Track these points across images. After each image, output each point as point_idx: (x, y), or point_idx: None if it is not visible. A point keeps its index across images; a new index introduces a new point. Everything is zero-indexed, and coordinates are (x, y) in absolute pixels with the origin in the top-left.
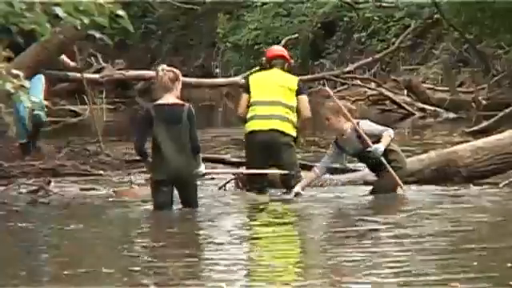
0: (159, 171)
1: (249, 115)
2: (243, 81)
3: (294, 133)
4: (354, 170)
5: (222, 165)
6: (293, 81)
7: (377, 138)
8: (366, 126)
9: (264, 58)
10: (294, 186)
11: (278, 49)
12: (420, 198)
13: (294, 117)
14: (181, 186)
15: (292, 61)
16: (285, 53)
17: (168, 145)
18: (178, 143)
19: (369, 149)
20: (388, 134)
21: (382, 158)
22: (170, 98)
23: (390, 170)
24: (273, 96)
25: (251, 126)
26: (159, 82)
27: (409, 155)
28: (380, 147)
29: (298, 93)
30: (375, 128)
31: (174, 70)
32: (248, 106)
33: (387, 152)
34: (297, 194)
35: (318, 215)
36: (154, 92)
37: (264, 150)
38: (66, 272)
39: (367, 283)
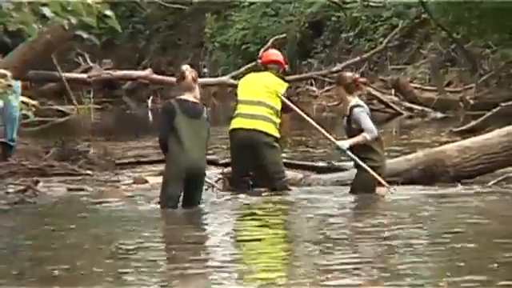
0: (178, 162)
1: (234, 113)
2: (231, 81)
3: (276, 134)
4: (343, 170)
5: (213, 166)
6: (281, 85)
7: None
8: (359, 113)
9: (259, 61)
10: (282, 187)
11: (273, 53)
12: (406, 198)
13: (276, 119)
14: (194, 179)
15: (286, 66)
16: (280, 58)
17: (189, 137)
18: (198, 137)
19: (337, 147)
20: (365, 135)
21: (350, 153)
22: (191, 97)
23: (367, 168)
24: (258, 96)
25: (234, 123)
26: (185, 82)
27: (396, 155)
28: (344, 144)
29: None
30: (364, 121)
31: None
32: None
33: (362, 150)
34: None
35: (305, 216)
36: (177, 90)
37: (245, 148)
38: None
39: (355, 285)
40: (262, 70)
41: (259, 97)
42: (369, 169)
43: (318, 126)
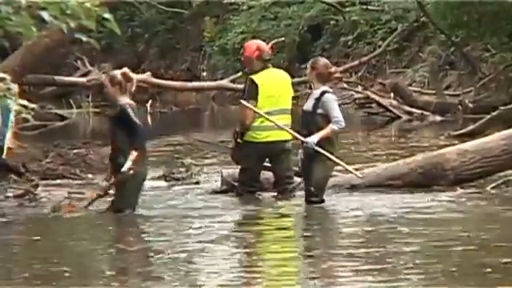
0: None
1: (263, 125)
2: (230, 84)
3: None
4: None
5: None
6: (290, 83)
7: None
8: (332, 101)
9: (267, 56)
10: (290, 190)
11: (264, 45)
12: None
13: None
14: None
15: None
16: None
17: None
18: None
19: (304, 143)
20: (333, 127)
21: (319, 149)
22: None
23: (338, 161)
24: (280, 104)
25: (266, 136)
26: None
27: (395, 158)
28: (314, 139)
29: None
30: (334, 110)
31: None
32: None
33: (324, 142)
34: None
35: (307, 222)
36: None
37: (264, 158)
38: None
39: None
40: (266, 67)
41: (280, 104)
42: (338, 161)
43: (281, 125)
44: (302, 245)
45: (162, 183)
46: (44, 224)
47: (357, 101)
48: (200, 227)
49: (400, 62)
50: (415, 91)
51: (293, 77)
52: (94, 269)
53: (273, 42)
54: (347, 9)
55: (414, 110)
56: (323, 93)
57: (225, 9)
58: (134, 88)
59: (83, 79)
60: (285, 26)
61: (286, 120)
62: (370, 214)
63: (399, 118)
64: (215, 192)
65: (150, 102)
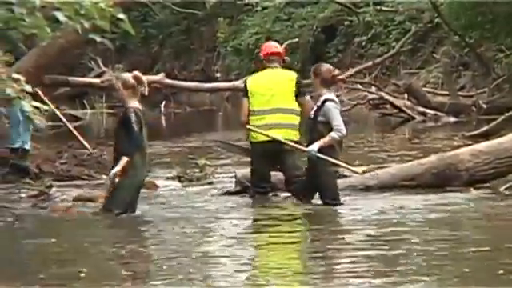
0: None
1: (256, 124)
2: (243, 85)
3: (296, 138)
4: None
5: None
6: (291, 80)
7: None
8: (332, 108)
9: (261, 55)
10: (298, 192)
11: (272, 45)
12: (415, 203)
13: (296, 121)
14: None
15: (287, 58)
16: (279, 49)
17: None
18: None
19: (305, 153)
20: (334, 135)
21: (320, 155)
22: None
23: (343, 164)
24: (272, 103)
25: (259, 136)
26: None
27: (409, 159)
28: (314, 148)
29: (299, 94)
30: (335, 118)
31: None
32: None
33: (326, 149)
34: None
35: (317, 223)
36: None
37: (269, 157)
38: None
39: None
40: (266, 67)
41: (273, 103)
42: (341, 163)
43: (280, 138)
44: (313, 246)
45: (176, 184)
46: (57, 225)
47: (371, 101)
48: (211, 228)
49: (414, 62)
50: (429, 92)
51: (306, 78)
52: (110, 270)
53: (287, 42)
54: (361, 10)
55: (427, 110)
56: (325, 101)
57: (239, 10)
58: (146, 91)
59: (97, 80)
60: (299, 26)
61: (281, 119)
62: (383, 214)
63: (413, 118)
64: (229, 193)
65: (164, 102)
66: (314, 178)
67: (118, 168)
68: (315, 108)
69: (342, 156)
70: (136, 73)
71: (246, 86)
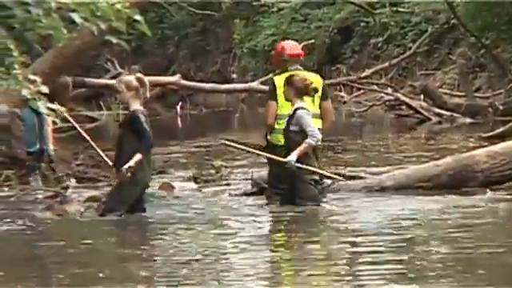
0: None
1: (278, 128)
2: (260, 86)
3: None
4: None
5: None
6: (319, 85)
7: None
8: (304, 115)
9: (286, 56)
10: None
11: (295, 46)
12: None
13: (319, 125)
14: None
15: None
16: (300, 49)
17: None
18: None
19: (283, 164)
20: (309, 141)
21: (300, 165)
22: None
23: (320, 171)
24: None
25: (280, 139)
26: None
27: (425, 160)
28: (293, 158)
29: (324, 98)
30: (308, 124)
31: None
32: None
33: (302, 157)
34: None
35: (334, 226)
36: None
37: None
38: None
39: None
40: (288, 70)
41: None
42: (320, 171)
43: (259, 152)
44: (331, 248)
45: (192, 185)
46: (73, 226)
47: (387, 103)
48: (227, 230)
49: (430, 63)
50: (445, 93)
51: (322, 79)
52: (128, 272)
53: (303, 44)
54: (377, 11)
55: (443, 112)
56: (296, 109)
57: (255, 11)
58: (147, 93)
59: (113, 81)
60: (315, 27)
61: None
62: (400, 216)
63: (429, 119)
64: (245, 194)
65: (180, 103)
66: (290, 186)
67: (131, 163)
68: (287, 118)
69: (359, 158)
70: (139, 75)
71: (273, 88)
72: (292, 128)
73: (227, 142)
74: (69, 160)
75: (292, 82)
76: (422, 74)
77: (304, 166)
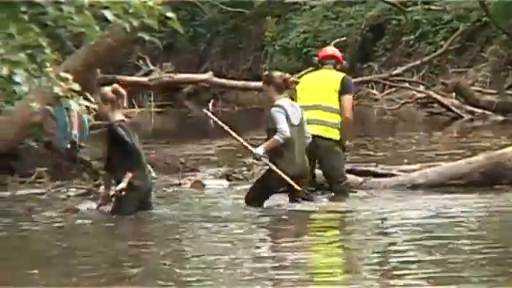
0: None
1: None
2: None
3: (335, 136)
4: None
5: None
6: (337, 80)
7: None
8: (275, 112)
9: (316, 58)
10: (341, 192)
11: (329, 49)
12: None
13: (335, 120)
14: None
15: (344, 62)
16: (336, 53)
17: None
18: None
19: (253, 154)
20: (276, 137)
21: (266, 160)
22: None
23: (281, 174)
24: (315, 100)
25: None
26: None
27: (457, 158)
28: (259, 151)
29: (341, 92)
30: (278, 121)
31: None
32: None
33: (272, 155)
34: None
35: (362, 224)
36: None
37: (307, 154)
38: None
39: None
40: (320, 68)
41: (315, 100)
42: (283, 174)
43: (234, 134)
44: (358, 247)
45: (224, 182)
46: (105, 225)
47: (419, 100)
48: (257, 228)
49: (462, 61)
50: (477, 91)
51: (355, 77)
52: (163, 270)
53: (335, 41)
54: (409, 8)
55: (475, 109)
56: (270, 107)
57: (287, 8)
58: (125, 103)
59: (145, 79)
60: (347, 25)
61: (321, 116)
62: (431, 214)
63: (461, 117)
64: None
65: (212, 101)
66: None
67: (123, 185)
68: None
69: (391, 155)
70: (115, 86)
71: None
72: (270, 126)
73: (209, 114)
74: (100, 157)
75: (271, 81)
76: (453, 72)
77: (268, 162)
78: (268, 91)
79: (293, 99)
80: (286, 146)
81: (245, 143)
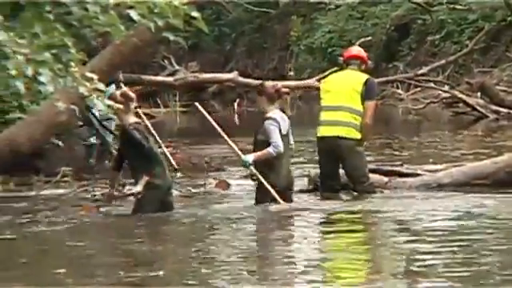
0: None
1: (319, 120)
2: (317, 84)
3: (358, 136)
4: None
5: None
6: (360, 83)
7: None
8: (269, 125)
9: (341, 58)
10: (364, 192)
11: (354, 49)
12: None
13: (357, 121)
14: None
15: (369, 62)
16: (361, 53)
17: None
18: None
19: (242, 161)
20: (270, 150)
21: (253, 169)
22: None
23: (267, 186)
24: (338, 101)
25: (319, 131)
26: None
27: (483, 158)
28: (248, 159)
29: (364, 96)
30: (271, 134)
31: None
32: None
33: (262, 165)
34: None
35: (383, 223)
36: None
37: (330, 155)
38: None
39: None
40: (344, 68)
41: (338, 101)
42: (269, 186)
43: (226, 138)
44: (384, 246)
45: (249, 182)
46: (131, 226)
47: (444, 100)
48: (283, 228)
49: (487, 61)
50: (502, 90)
51: (379, 76)
52: (191, 270)
53: (360, 41)
54: (434, 8)
55: (501, 109)
56: (264, 120)
57: (312, 8)
58: (134, 106)
59: (170, 78)
60: (372, 25)
61: (343, 117)
62: (457, 214)
63: (486, 117)
64: (302, 191)
65: (237, 100)
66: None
67: (139, 188)
68: (258, 128)
69: (416, 155)
70: (124, 89)
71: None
72: (259, 137)
73: (199, 107)
74: None
75: (263, 91)
76: (478, 72)
77: (255, 172)
78: (260, 101)
79: (283, 110)
80: (277, 158)
81: (235, 148)
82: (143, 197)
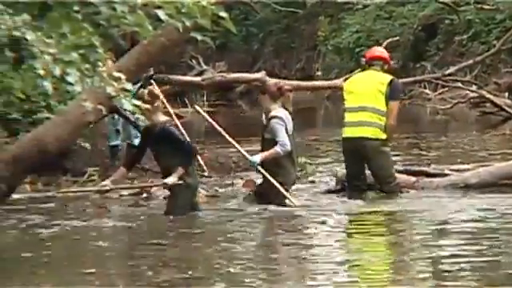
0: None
1: (343, 121)
2: (344, 84)
3: (383, 136)
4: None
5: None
6: (384, 84)
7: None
8: (275, 124)
9: (363, 59)
10: (391, 191)
11: (376, 50)
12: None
13: (382, 121)
14: None
15: (392, 62)
16: (384, 54)
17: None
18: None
19: (249, 162)
20: (277, 149)
21: (260, 168)
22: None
23: (277, 184)
24: (361, 101)
25: (344, 132)
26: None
27: (510, 158)
28: (256, 160)
29: (389, 97)
30: (278, 132)
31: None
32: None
33: (272, 164)
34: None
35: (411, 223)
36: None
37: (355, 155)
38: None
39: None
40: (367, 69)
41: (362, 102)
42: (278, 185)
43: (232, 140)
44: (407, 248)
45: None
46: (160, 225)
47: (471, 100)
48: (310, 228)
49: None
50: None
51: (406, 76)
52: (219, 272)
53: (387, 41)
54: (462, 8)
55: None
56: (270, 119)
57: (339, 8)
58: (161, 104)
59: (198, 78)
60: (399, 25)
61: (367, 117)
62: (483, 214)
63: None
64: (329, 191)
65: None
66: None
67: (174, 179)
68: (263, 125)
69: (443, 155)
70: (150, 88)
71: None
72: (266, 136)
73: (200, 110)
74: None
75: (265, 90)
76: (506, 72)
77: (264, 172)
78: (262, 100)
79: (286, 108)
80: (286, 157)
81: (240, 149)
82: (177, 198)
